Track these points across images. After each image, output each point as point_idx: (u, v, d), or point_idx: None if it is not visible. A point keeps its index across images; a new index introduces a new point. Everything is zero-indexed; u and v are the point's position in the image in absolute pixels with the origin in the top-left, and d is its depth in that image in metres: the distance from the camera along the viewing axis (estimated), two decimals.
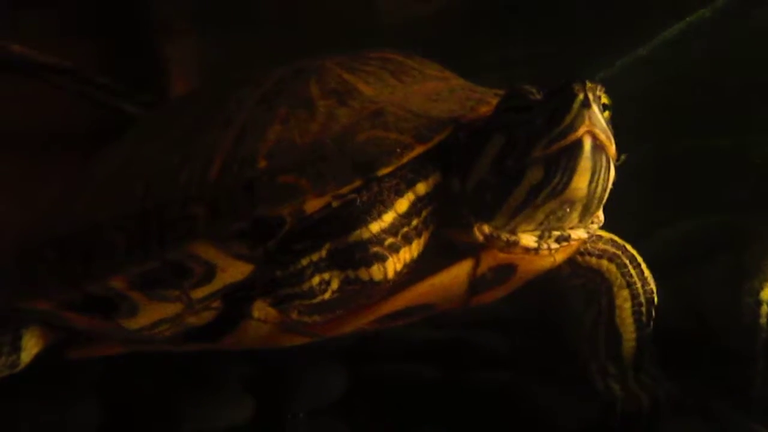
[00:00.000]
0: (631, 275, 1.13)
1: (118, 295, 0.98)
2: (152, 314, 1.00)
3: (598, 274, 1.13)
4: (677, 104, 1.54)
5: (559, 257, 1.02)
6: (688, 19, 1.47)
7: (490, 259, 0.98)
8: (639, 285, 1.13)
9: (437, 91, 1.04)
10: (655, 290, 1.14)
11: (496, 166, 0.92)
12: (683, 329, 1.30)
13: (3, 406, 1.15)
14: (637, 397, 1.13)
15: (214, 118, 1.03)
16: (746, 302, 1.19)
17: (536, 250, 0.97)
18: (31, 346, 1.13)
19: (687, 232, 1.54)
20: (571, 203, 0.91)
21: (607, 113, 0.90)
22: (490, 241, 0.95)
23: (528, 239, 0.96)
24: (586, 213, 0.95)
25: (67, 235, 1.05)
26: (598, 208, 0.96)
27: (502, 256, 0.98)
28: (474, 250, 0.98)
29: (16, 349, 1.12)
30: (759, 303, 1.18)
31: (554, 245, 0.97)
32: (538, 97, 0.91)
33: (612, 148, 0.88)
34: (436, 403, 1.25)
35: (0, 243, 1.20)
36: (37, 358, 1.15)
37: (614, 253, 1.12)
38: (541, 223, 0.95)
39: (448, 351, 1.41)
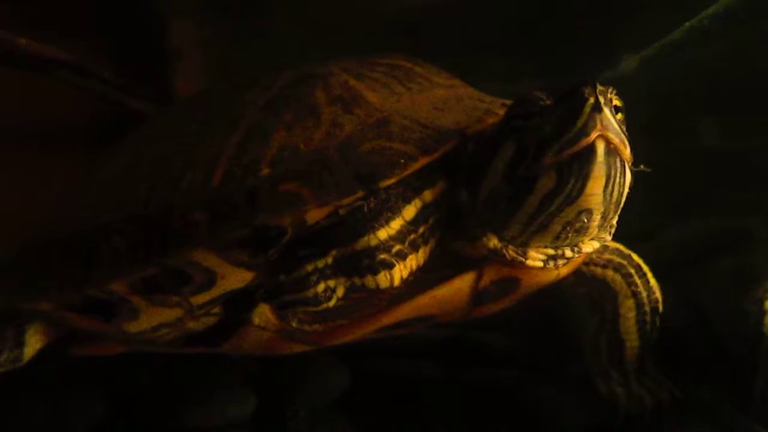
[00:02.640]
0: (636, 285, 1.12)
1: (119, 298, 0.98)
2: (153, 318, 1.00)
3: (603, 283, 1.12)
4: (680, 106, 1.53)
5: (564, 270, 1.01)
6: (689, 22, 1.44)
7: (493, 273, 0.97)
8: (644, 295, 1.12)
9: (444, 99, 1.02)
10: (660, 299, 1.13)
11: (508, 175, 0.89)
12: (685, 331, 1.29)
13: (5, 400, 1.16)
14: (640, 399, 1.13)
15: (220, 122, 1.02)
16: (750, 310, 1.18)
17: (541, 267, 0.95)
18: (34, 342, 1.14)
19: (689, 234, 1.53)
20: (589, 212, 0.86)
21: (620, 115, 0.86)
22: (494, 255, 0.94)
23: (535, 259, 0.94)
24: (605, 221, 0.90)
25: (70, 237, 1.05)
26: (615, 214, 0.92)
27: (505, 270, 0.97)
28: (477, 263, 0.97)
29: (20, 344, 1.13)
30: (763, 312, 1.17)
31: (561, 262, 0.96)
32: (548, 102, 0.87)
33: (626, 152, 0.84)
34: (437, 400, 1.26)
35: (2, 241, 1.19)
36: (40, 354, 1.15)
37: (620, 263, 1.11)
38: (557, 236, 0.91)
39: (449, 349, 1.41)
